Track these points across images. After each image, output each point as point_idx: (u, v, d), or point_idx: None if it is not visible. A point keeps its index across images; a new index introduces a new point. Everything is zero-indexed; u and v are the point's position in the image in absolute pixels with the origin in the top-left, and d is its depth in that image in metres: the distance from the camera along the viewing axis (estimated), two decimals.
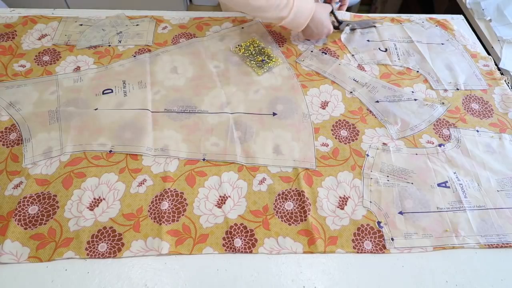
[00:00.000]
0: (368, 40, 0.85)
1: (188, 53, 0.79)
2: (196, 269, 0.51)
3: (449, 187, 0.61)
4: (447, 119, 0.71)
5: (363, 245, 0.54)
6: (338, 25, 0.85)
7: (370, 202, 0.58)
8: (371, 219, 0.57)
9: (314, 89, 0.74)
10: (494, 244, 0.55)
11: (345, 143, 0.66)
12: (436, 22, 0.91)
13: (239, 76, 0.75)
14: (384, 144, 0.66)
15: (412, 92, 0.75)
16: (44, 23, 0.83)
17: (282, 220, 0.56)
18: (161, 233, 0.53)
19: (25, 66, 0.74)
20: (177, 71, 0.76)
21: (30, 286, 0.49)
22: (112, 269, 0.51)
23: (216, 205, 0.57)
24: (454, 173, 0.62)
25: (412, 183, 0.61)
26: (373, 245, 0.54)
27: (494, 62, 0.83)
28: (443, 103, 0.73)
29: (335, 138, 0.66)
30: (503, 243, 0.55)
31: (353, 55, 0.81)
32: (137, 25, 0.84)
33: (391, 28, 0.88)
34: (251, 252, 0.53)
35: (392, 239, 0.55)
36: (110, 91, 0.71)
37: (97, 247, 0.52)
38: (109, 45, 0.79)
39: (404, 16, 0.93)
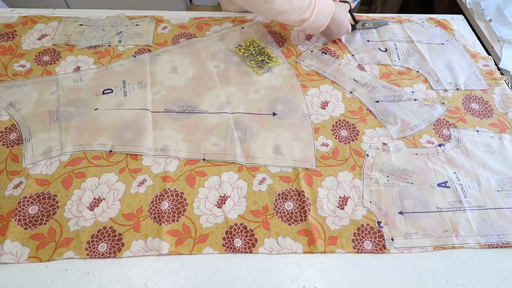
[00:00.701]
0: (368, 40, 0.85)
1: (188, 53, 0.79)
2: (196, 269, 0.51)
3: (449, 187, 0.61)
4: (447, 119, 0.71)
5: (363, 245, 0.54)
6: (355, 24, 0.86)
7: (370, 202, 0.58)
8: (371, 219, 0.57)
9: (314, 89, 0.74)
10: (494, 244, 0.55)
11: (345, 143, 0.66)
12: (436, 22, 0.91)
13: (239, 76, 0.75)
14: (384, 144, 0.66)
15: (412, 92, 0.75)
16: (44, 23, 0.83)
17: (282, 220, 0.56)
18: (161, 233, 0.53)
19: (25, 66, 0.74)
20: (177, 71, 0.76)
21: (30, 286, 0.49)
22: (112, 269, 0.51)
23: (216, 205, 0.57)
24: (454, 173, 0.62)
25: (412, 183, 0.61)
26: (373, 245, 0.54)
27: (494, 62, 0.83)
28: (443, 103, 0.73)
29: (335, 138, 0.66)
30: (503, 243, 0.55)
31: (353, 55, 0.81)
32: (137, 25, 0.84)
33: (391, 28, 0.88)
34: (251, 252, 0.53)
35: (392, 239, 0.55)
36: (110, 91, 0.71)
37: (97, 247, 0.52)
38: (109, 45, 0.79)
39: (404, 16, 0.93)
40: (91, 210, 0.55)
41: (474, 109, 0.73)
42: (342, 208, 0.58)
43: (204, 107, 0.69)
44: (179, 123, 0.67)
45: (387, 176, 0.61)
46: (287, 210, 0.57)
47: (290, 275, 0.51)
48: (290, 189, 0.59)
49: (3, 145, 0.62)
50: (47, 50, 0.77)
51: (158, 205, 0.56)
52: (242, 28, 0.86)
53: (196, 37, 0.83)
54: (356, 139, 0.66)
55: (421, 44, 0.84)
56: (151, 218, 0.55)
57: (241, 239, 0.54)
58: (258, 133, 0.66)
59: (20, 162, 0.60)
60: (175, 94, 0.71)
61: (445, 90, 0.76)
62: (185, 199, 0.57)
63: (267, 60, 0.78)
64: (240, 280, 0.50)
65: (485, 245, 0.55)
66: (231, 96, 0.72)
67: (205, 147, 0.64)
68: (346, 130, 0.68)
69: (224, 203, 0.57)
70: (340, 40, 0.84)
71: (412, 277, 0.52)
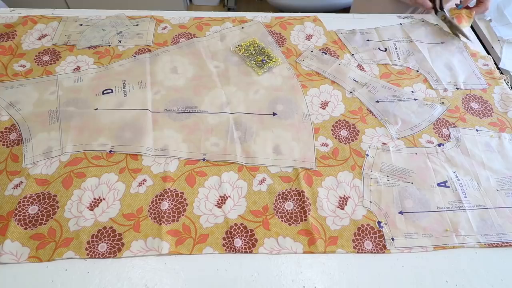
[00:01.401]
0: (368, 40, 0.85)
1: (188, 53, 0.79)
2: (196, 269, 0.51)
3: (449, 186, 0.61)
4: (447, 118, 0.71)
5: (363, 245, 0.54)
6: (436, 9, 0.87)
7: (370, 202, 0.58)
8: (371, 219, 0.57)
9: (314, 89, 0.74)
10: (494, 243, 0.55)
11: (345, 143, 0.66)
12: (436, 21, 0.91)
13: (239, 76, 0.75)
14: (384, 144, 0.66)
15: (412, 91, 0.75)
16: (44, 23, 0.83)
17: (282, 220, 0.56)
18: (161, 233, 0.53)
19: (25, 66, 0.74)
20: (177, 71, 0.76)
21: (30, 286, 0.49)
22: (112, 269, 0.51)
23: (216, 205, 0.57)
24: (454, 172, 0.62)
25: (412, 183, 0.61)
26: (373, 245, 0.54)
27: (494, 62, 0.83)
28: (443, 102, 0.73)
29: (335, 138, 0.66)
30: (503, 242, 0.55)
31: (353, 54, 0.81)
32: (137, 25, 0.84)
33: (391, 27, 0.88)
34: (251, 252, 0.53)
35: (393, 239, 0.55)
36: (110, 91, 0.71)
37: (97, 247, 0.52)
38: (109, 45, 0.79)
39: (404, 16, 0.93)
40: (91, 210, 0.55)
41: (474, 108, 0.73)
42: (342, 208, 0.58)
43: (204, 107, 0.69)
44: (179, 123, 0.67)
45: (387, 176, 0.61)
46: (287, 210, 0.57)
47: (290, 275, 0.51)
48: (290, 189, 0.59)
49: (3, 145, 0.62)
50: (47, 50, 0.77)
51: (158, 205, 0.56)
52: (242, 28, 0.86)
53: (196, 37, 0.83)
54: (356, 139, 0.67)
55: (420, 43, 0.84)
56: (151, 218, 0.55)
57: (241, 239, 0.54)
58: (258, 133, 0.66)
59: (20, 162, 0.60)
60: (175, 94, 0.71)
61: (445, 90, 0.76)
62: (185, 199, 0.57)
63: (267, 60, 0.78)
64: (240, 280, 0.50)
65: (485, 244, 0.55)
66: (231, 96, 0.72)
67: (205, 147, 0.64)
68: (346, 130, 0.68)
69: (224, 203, 0.57)
70: (339, 39, 0.84)
71: (412, 277, 0.52)
